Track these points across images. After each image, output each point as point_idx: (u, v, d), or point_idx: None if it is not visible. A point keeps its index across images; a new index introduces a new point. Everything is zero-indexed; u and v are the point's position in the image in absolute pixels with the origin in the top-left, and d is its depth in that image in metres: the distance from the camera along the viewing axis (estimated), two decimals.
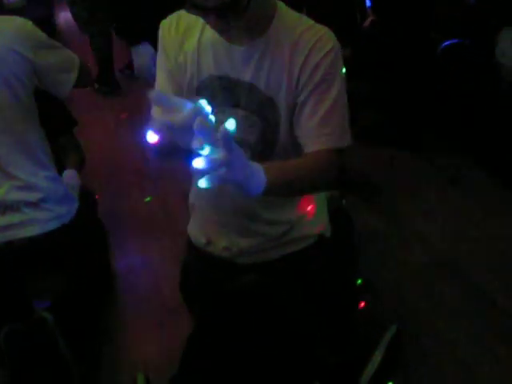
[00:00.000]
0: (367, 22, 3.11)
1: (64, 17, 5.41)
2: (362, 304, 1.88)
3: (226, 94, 1.32)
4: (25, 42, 1.63)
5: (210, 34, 1.30)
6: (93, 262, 1.99)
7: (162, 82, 1.35)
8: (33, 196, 1.69)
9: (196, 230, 1.60)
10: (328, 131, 1.24)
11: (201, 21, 1.31)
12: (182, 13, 1.34)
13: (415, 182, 2.81)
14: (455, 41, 2.94)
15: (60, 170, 1.93)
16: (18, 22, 1.66)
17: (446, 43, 2.95)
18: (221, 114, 1.31)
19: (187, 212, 1.76)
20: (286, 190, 1.18)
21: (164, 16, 1.40)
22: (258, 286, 1.35)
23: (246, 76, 1.29)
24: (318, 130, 1.25)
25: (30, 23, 1.68)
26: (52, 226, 1.72)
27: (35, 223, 1.69)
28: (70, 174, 2.01)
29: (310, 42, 1.24)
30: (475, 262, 2.22)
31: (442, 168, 2.89)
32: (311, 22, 1.29)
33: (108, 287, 2.19)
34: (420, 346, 1.85)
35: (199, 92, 1.34)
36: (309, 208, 1.50)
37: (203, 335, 1.38)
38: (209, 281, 1.53)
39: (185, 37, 1.33)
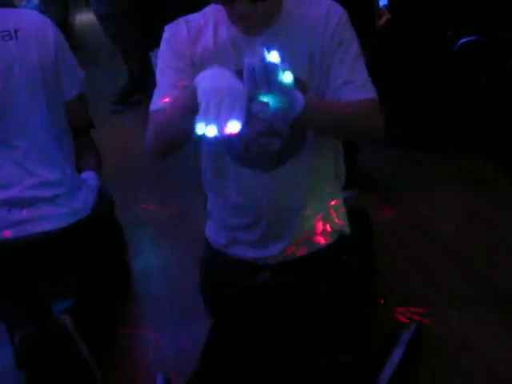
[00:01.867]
0: (383, 21, 3.09)
1: (80, 20, 5.44)
2: (381, 301, 1.87)
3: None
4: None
5: (224, 32, 1.32)
6: (110, 260, 2.00)
7: (171, 77, 1.34)
8: (49, 192, 1.70)
9: (215, 233, 1.61)
10: (357, 85, 1.29)
11: (211, 22, 1.34)
12: (187, 18, 1.37)
13: (430, 181, 2.79)
14: (472, 38, 2.92)
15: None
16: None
17: (463, 41, 2.93)
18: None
19: (203, 212, 1.76)
20: (327, 119, 1.23)
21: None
22: (272, 285, 1.34)
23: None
24: (347, 86, 1.28)
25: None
26: (68, 221, 1.73)
27: (51, 218, 1.70)
28: (88, 176, 2.02)
29: (322, 14, 1.29)
30: (490, 262, 2.20)
31: (457, 168, 2.87)
32: None
33: (126, 286, 2.19)
34: (436, 343, 1.84)
35: None
36: (332, 203, 1.51)
37: (220, 336, 1.38)
38: (228, 280, 1.54)
39: (197, 38, 1.34)
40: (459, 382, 1.73)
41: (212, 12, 1.36)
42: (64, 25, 4.78)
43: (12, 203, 1.68)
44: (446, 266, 2.20)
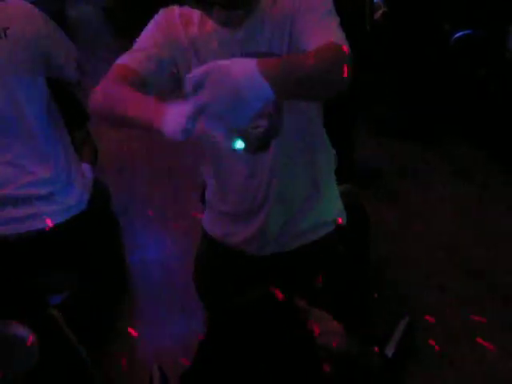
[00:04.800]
0: (378, 14, 3.09)
1: (76, 11, 5.40)
2: (375, 295, 1.88)
3: None
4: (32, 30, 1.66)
5: (209, 24, 1.31)
6: (106, 254, 1.99)
7: (147, 46, 1.30)
8: (44, 189, 1.70)
9: (212, 223, 1.61)
10: (326, 32, 1.21)
11: (197, 12, 1.33)
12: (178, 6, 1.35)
13: (427, 174, 2.80)
14: (467, 32, 2.92)
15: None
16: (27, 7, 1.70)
17: (459, 34, 2.93)
18: None
19: (200, 205, 1.76)
20: (294, 85, 1.06)
21: None
22: (269, 300, 1.32)
23: (261, 48, 1.31)
24: (317, 33, 1.22)
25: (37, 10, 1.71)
26: (62, 217, 1.73)
27: (45, 216, 1.70)
28: (84, 168, 2.01)
29: None
30: (486, 255, 2.21)
31: (455, 160, 2.88)
32: None
33: (122, 281, 2.19)
34: (432, 337, 1.85)
35: None
36: (328, 193, 1.51)
37: (217, 336, 1.38)
38: (224, 272, 1.54)
39: (187, 23, 1.33)
40: (451, 377, 1.74)
41: None
42: (60, 16, 4.74)
43: (6, 201, 1.69)
44: (445, 262, 2.21)
